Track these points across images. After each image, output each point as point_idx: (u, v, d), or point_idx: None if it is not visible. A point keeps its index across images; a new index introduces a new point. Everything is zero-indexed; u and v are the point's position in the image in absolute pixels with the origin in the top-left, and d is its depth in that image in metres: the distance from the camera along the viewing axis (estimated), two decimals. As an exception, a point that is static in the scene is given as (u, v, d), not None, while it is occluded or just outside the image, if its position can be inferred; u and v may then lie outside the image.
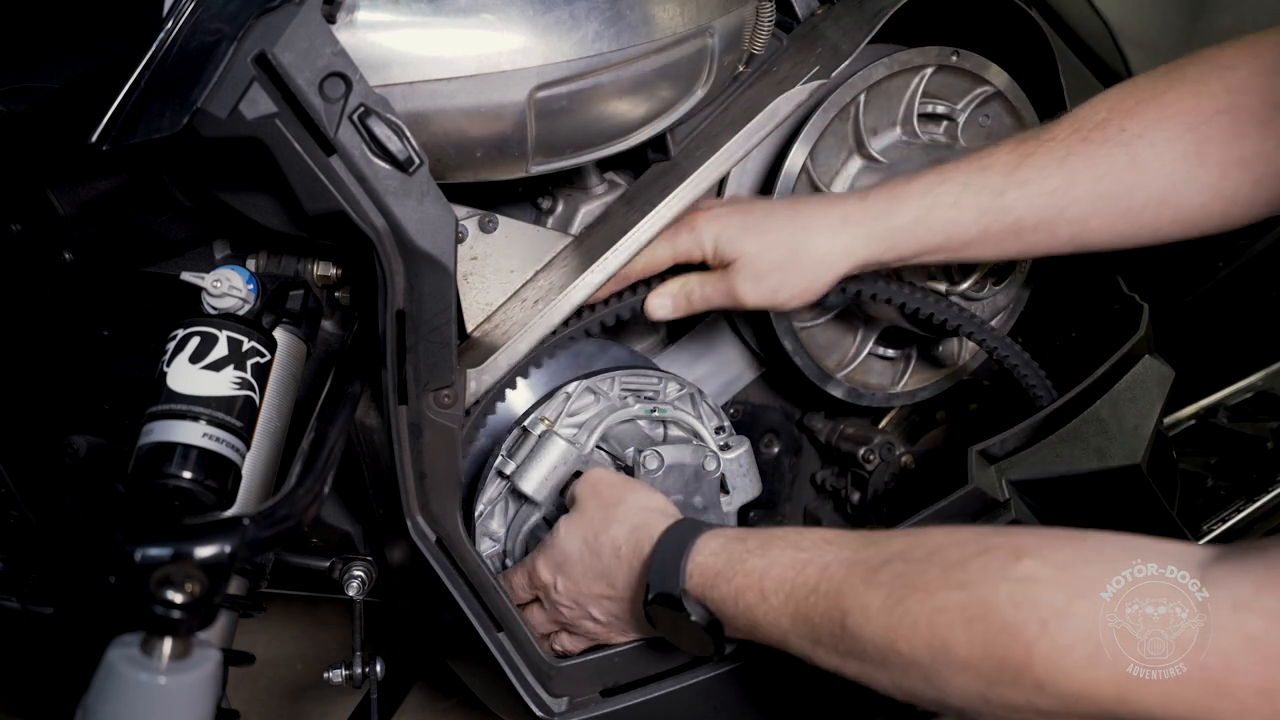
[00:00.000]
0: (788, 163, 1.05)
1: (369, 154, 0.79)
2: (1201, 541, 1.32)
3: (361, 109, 0.77)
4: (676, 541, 0.83)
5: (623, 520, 0.89)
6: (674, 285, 0.99)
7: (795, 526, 1.17)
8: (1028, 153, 0.89)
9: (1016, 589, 0.64)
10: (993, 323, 1.17)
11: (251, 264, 1.00)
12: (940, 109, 1.12)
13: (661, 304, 0.99)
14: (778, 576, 0.75)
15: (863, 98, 1.06)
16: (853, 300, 1.05)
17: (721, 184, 1.06)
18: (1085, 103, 0.90)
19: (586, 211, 1.08)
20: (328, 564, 1.08)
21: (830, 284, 0.94)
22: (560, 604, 0.93)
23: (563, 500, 1.00)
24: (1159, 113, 0.85)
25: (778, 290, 0.94)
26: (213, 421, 0.82)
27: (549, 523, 1.01)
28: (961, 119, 1.13)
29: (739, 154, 1.01)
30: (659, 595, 0.82)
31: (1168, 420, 1.42)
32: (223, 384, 0.84)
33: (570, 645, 0.98)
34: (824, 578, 0.72)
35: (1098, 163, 0.86)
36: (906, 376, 1.18)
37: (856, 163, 1.10)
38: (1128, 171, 0.85)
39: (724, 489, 1.04)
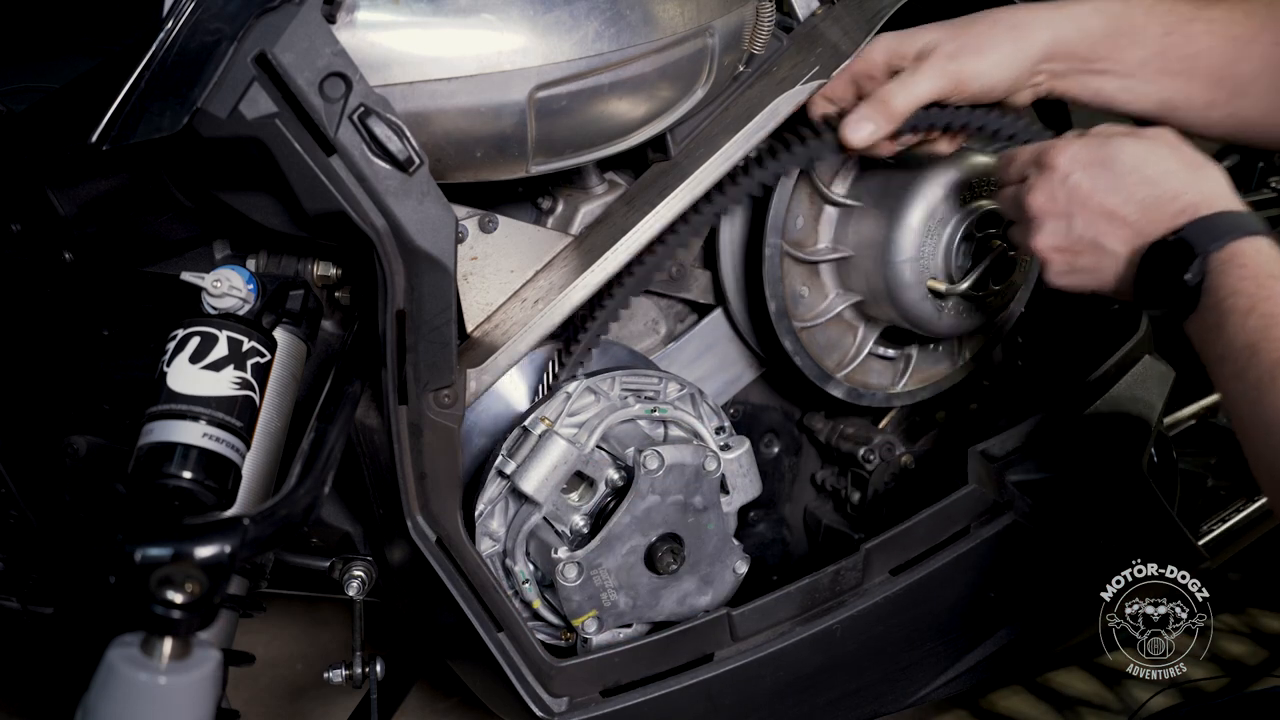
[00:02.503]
0: (788, 163, 1.04)
1: (369, 154, 0.79)
2: (1201, 543, 1.32)
3: (361, 109, 0.77)
4: (1237, 219, 0.81)
5: (1202, 177, 0.84)
6: (865, 106, 0.90)
7: None
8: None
9: None
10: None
11: (251, 264, 1.00)
12: (940, 109, 1.12)
13: (858, 127, 0.89)
14: None
15: (863, 98, 1.06)
16: (926, 133, 0.97)
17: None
18: None
19: (586, 211, 1.08)
20: (328, 564, 1.08)
21: (1034, 60, 0.89)
22: (1076, 214, 0.86)
23: (564, 498, 1.00)
24: None
25: (981, 55, 0.88)
26: (213, 421, 0.82)
27: (549, 522, 1.01)
28: (961, 119, 1.12)
29: (739, 154, 1.01)
30: (1179, 240, 0.80)
31: (1168, 420, 1.42)
32: (223, 384, 0.83)
33: (1068, 281, 0.90)
34: None
35: (1277, 25, 0.90)
36: (906, 376, 1.18)
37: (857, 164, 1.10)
38: None
39: (724, 489, 1.04)
